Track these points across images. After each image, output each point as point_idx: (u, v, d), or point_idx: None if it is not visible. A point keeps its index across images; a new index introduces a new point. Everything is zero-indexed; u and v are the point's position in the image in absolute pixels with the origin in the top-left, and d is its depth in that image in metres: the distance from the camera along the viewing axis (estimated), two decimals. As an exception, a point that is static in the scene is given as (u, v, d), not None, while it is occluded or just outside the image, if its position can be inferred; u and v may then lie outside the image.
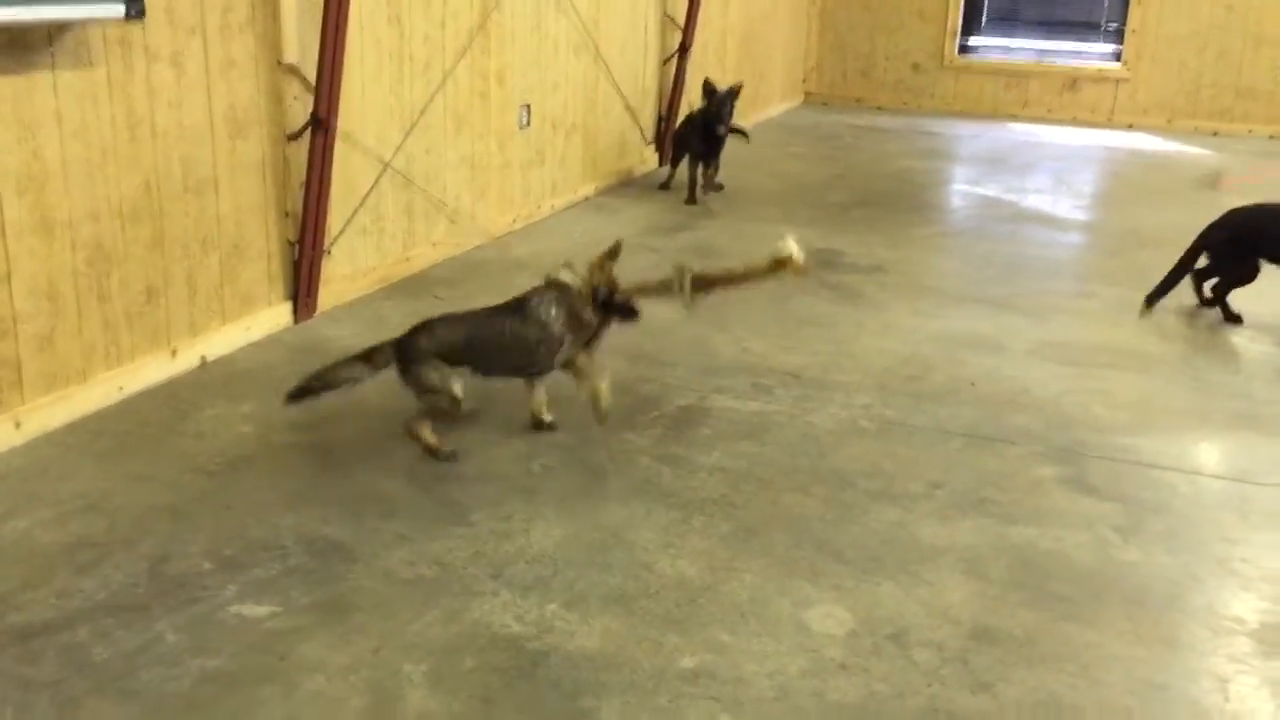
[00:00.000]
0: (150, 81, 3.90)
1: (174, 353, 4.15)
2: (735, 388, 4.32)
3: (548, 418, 3.89)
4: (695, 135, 7.14)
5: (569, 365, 3.78)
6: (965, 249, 6.50)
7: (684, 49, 8.02)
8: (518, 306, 3.70)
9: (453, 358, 3.56)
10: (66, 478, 3.43)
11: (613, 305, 3.75)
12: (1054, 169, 8.84)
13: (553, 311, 3.67)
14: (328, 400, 3.98)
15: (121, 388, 3.93)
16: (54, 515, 3.21)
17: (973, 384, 4.42)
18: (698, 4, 7.95)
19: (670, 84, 8.08)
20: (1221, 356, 4.88)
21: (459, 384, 3.56)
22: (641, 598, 2.94)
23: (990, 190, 8.04)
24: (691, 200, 7.15)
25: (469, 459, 3.66)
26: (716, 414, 4.09)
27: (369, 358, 3.57)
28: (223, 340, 4.37)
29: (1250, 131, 10.23)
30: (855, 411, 4.14)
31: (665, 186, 7.54)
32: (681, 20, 7.98)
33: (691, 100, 8.28)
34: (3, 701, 2.48)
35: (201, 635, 2.71)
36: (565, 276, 3.74)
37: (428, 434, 3.61)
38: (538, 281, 3.81)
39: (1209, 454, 3.93)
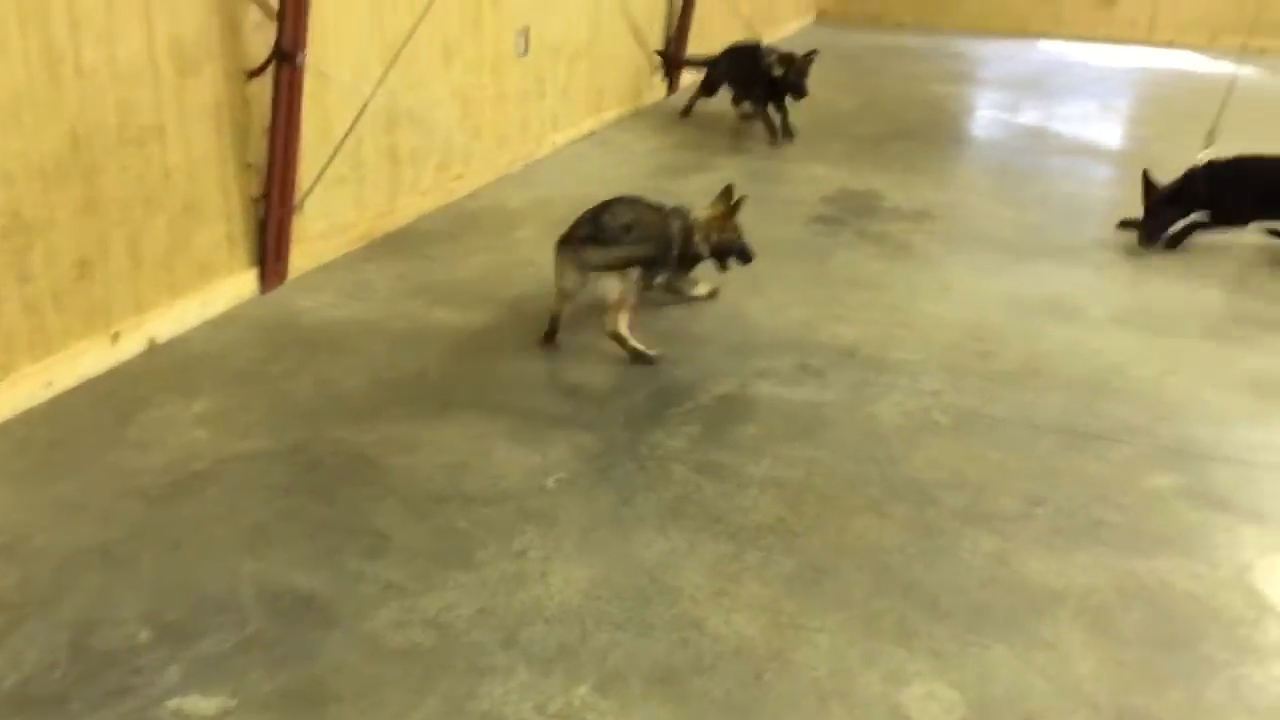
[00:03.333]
0: (72, 10, 3.18)
1: (115, 337, 3.48)
2: (780, 370, 3.68)
3: (702, 290, 4.17)
4: (761, 86, 6.50)
5: (669, 282, 4.00)
6: (1017, 189, 5.82)
7: (696, -36, 7.24)
8: (666, 210, 3.89)
9: (626, 242, 3.68)
10: (-23, 507, 2.80)
11: (730, 249, 4.05)
12: (1097, 93, 8.10)
13: (676, 231, 3.87)
14: (299, 395, 3.36)
15: (50, 383, 3.28)
16: (-44, 562, 2.59)
17: (979, 339, 3.90)
18: (710, -87, 7.16)
19: (680, 2, 7.30)
20: (1331, 321, 4.24)
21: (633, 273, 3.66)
22: (694, 674, 2.32)
23: (1032, 118, 7.32)
24: (773, 133, 6.50)
25: (469, 472, 3.02)
26: (761, 405, 3.45)
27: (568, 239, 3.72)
28: (175, 318, 3.70)
29: (1299, 50, 9.48)
30: (925, 400, 3.50)
31: (687, 113, 6.83)
32: (693, -68, 7.19)
33: (702, 23, 7.51)
34: None
35: (132, 743, 2.10)
36: (696, 213, 3.98)
37: (630, 338, 3.66)
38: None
39: (1348, 451, 3.30)
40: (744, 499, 2.95)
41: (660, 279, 3.93)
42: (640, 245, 3.69)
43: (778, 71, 6.38)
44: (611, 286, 3.62)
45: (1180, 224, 4.85)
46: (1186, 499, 3.01)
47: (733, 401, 3.47)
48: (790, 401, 3.48)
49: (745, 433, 3.29)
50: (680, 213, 3.94)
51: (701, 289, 4.17)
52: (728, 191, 4.06)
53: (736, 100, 6.83)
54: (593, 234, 3.64)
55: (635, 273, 3.65)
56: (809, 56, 6.44)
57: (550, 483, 2.99)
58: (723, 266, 4.10)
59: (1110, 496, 3.01)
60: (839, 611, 2.53)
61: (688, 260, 4.00)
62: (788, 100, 6.49)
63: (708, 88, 6.85)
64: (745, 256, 4.09)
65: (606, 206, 3.75)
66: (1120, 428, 3.37)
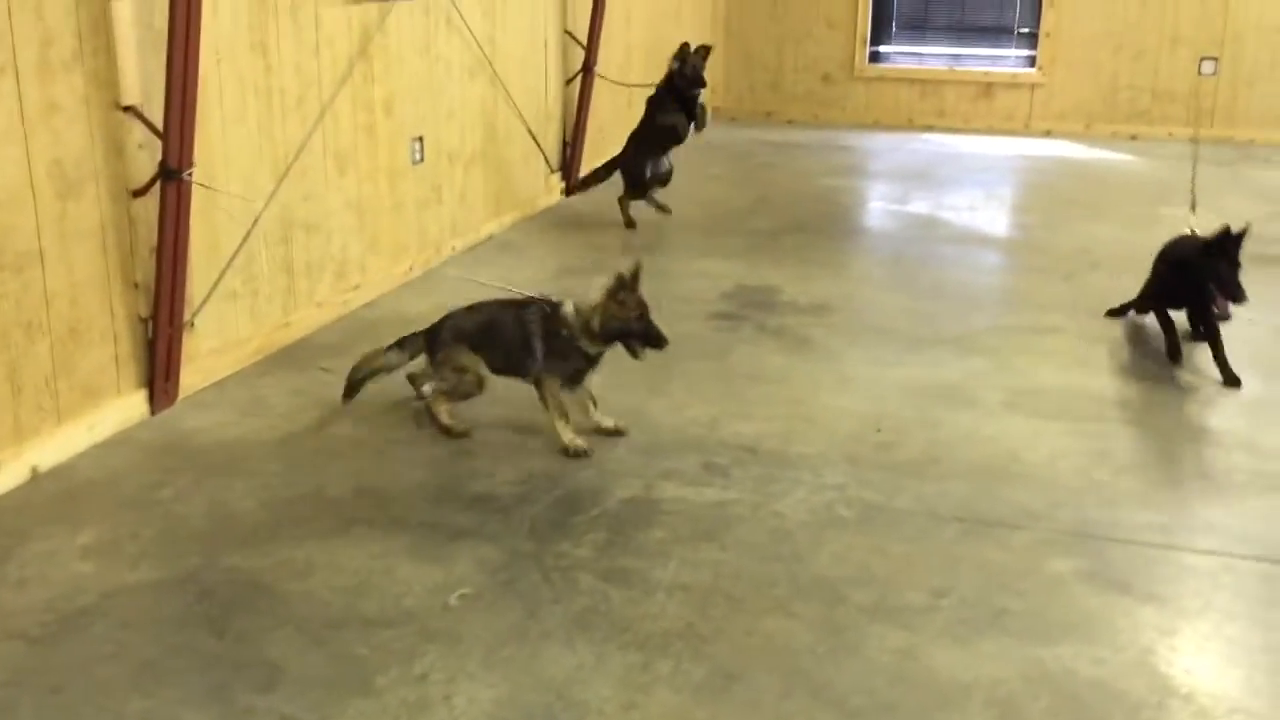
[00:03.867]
0: (-55, 136, 3.11)
1: (-5, 468, 3.35)
2: (685, 470, 3.67)
3: (607, 423, 3.89)
4: (679, 99, 6.60)
5: (539, 386, 3.80)
6: (910, 278, 5.96)
7: (588, 68, 7.37)
8: (522, 304, 3.84)
9: (471, 343, 3.81)
10: None
11: (628, 333, 3.70)
12: (981, 182, 8.38)
13: (534, 324, 3.76)
14: (191, 520, 3.26)
15: (-76, 521, 3.13)
16: None
17: (878, 430, 3.95)
18: (600, 19, 7.30)
19: (575, 106, 7.41)
20: (1214, 401, 4.38)
21: (482, 368, 3.82)
22: (605, 795, 2.27)
23: (921, 208, 7.53)
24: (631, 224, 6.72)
25: (370, 593, 2.94)
26: (667, 508, 3.43)
27: (401, 344, 3.91)
28: (59, 445, 3.58)
29: (1170, 135, 9.92)
30: (828, 495, 3.51)
31: (630, 226, 6.81)
32: (583, 37, 7.32)
33: (599, 125, 7.64)
34: None
35: None
36: (567, 304, 3.76)
37: (445, 414, 3.85)
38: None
39: (1237, 528, 3.37)
40: (652, 606, 2.91)
41: (546, 376, 3.75)
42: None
43: (674, 65, 6.55)
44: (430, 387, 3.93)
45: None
46: (1086, 583, 3.05)
47: (638, 505, 3.45)
48: (695, 502, 3.47)
49: (652, 537, 3.26)
50: (541, 304, 3.79)
51: (607, 422, 3.88)
52: (619, 276, 3.67)
53: (624, 197, 6.89)
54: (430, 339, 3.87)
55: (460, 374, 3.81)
56: (704, 48, 6.65)
57: (453, 600, 2.93)
58: (633, 353, 3.75)
59: (1013, 584, 3.04)
60: (750, 717, 2.50)
61: (564, 352, 3.74)
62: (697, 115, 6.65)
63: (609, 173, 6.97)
64: (651, 339, 3.70)
65: (451, 313, 3.91)
66: (1019, 513, 3.42)
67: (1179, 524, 3.37)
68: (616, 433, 3.88)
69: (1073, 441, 3.94)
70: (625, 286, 3.65)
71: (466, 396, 3.86)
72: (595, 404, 3.90)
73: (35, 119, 3.40)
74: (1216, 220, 4.57)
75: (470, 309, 3.90)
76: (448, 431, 3.85)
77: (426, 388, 3.95)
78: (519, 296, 3.93)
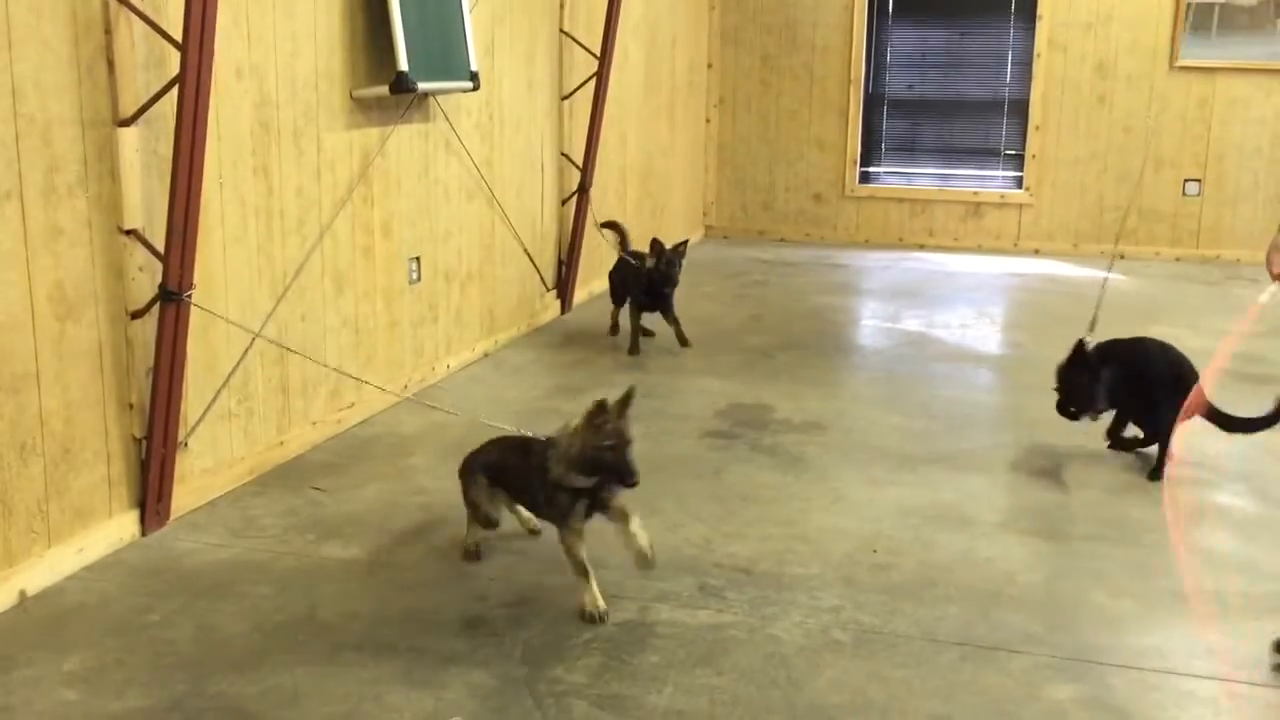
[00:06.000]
0: (-52, 260, 3.16)
1: (-18, 591, 3.32)
2: (680, 592, 3.64)
3: (639, 543, 3.49)
4: (640, 290, 6.68)
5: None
6: (902, 397, 5.98)
7: (583, 189, 7.50)
8: (539, 440, 3.64)
9: (492, 477, 3.77)
10: None
11: (600, 465, 3.36)
12: (972, 300, 8.48)
13: (536, 467, 3.53)
14: (179, 645, 3.21)
15: (-93, 646, 3.09)
16: None
17: (874, 550, 3.93)
18: (595, 142, 7.47)
19: (570, 226, 7.53)
20: (1212, 521, 4.37)
21: (500, 503, 3.81)
22: None
23: (912, 325, 7.61)
24: (635, 350, 6.66)
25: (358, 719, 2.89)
26: (662, 631, 3.39)
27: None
28: (47, 569, 3.55)
29: (1157, 254, 10.09)
30: (824, 618, 3.48)
31: (614, 330, 6.95)
32: (579, 158, 7.48)
33: (595, 244, 7.75)
34: None
35: None
36: (556, 439, 3.52)
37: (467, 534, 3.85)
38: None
39: (1237, 652, 3.33)
40: (646, 735, 2.86)
41: (559, 527, 3.52)
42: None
43: (649, 263, 6.59)
44: None
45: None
46: (1086, 710, 3.01)
47: (633, 628, 3.41)
48: (690, 625, 3.43)
49: (646, 661, 3.22)
50: (541, 443, 3.57)
51: (639, 541, 3.47)
52: (598, 402, 3.34)
53: (614, 319, 7.00)
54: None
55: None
56: (679, 246, 6.65)
57: (444, 728, 2.87)
58: (607, 494, 3.46)
59: (1013, 712, 3.00)
60: None
61: (552, 496, 3.47)
62: (674, 308, 6.66)
63: (616, 300, 7.03)
64: (621, 473, 3.33)
65: (484, 445, 3.90)
66: (1018, 637, 3.38)
67: (1178, 648, 3.33)
68: (644, 560, 3.48)
69: (1070, 562, 3.92)
70: (604, 411, 3.31)
71: (483, 527, 3.84)
72: (628, 519, 3.49)
73: (38, 243, 3.45)
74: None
75: (496, 441, 3.90)
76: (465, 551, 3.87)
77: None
78: (523, 435, 3.76)
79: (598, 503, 3.46)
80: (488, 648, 3.27)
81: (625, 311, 6.87)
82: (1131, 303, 8.29)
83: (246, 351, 4.41)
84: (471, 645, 3.29)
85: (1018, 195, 10.52)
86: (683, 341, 6.71)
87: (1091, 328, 4.92)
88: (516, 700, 3.00)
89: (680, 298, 6.85)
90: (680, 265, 6.62)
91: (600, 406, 3.32)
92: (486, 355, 6.53)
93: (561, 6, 7.22)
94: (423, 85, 5.20)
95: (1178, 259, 10.08)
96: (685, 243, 6.79)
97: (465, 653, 3.24)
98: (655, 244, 6.65)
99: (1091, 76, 10.16)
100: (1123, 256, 10.11)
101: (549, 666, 3.17)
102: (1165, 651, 3.31)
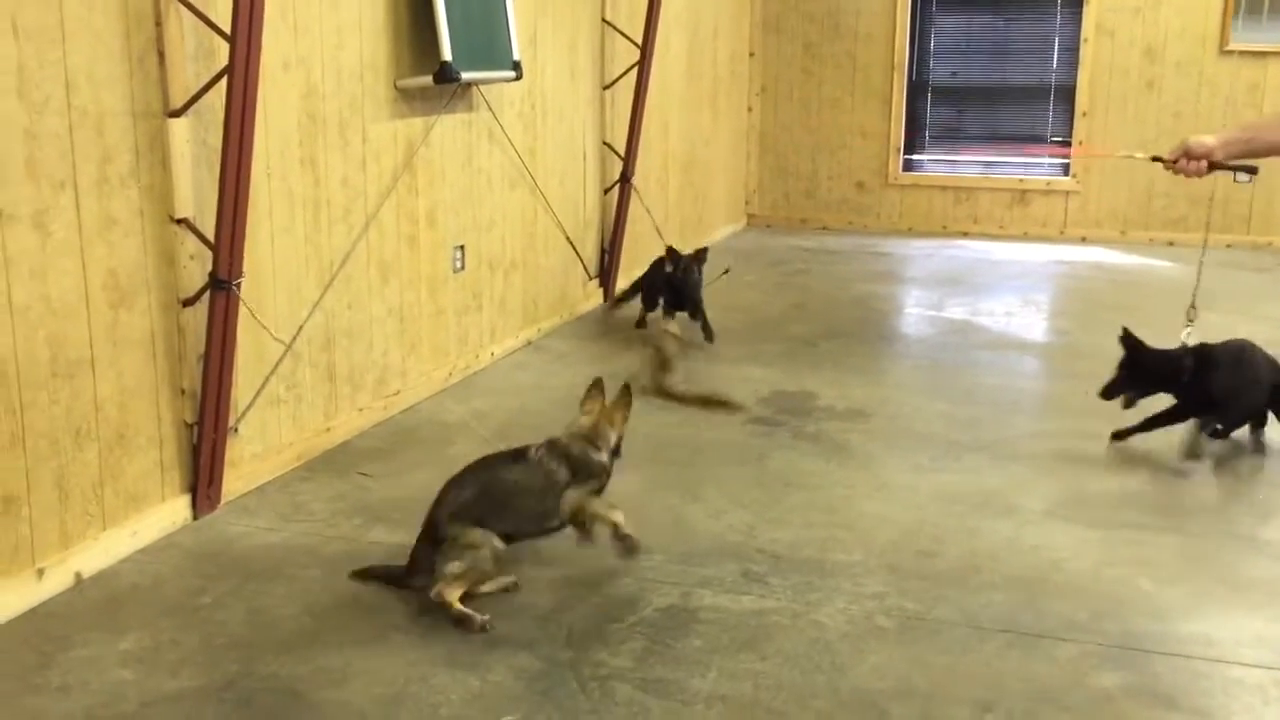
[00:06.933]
0: (5, 248, 3.22)
1: (40, 573, 3.39)
2: (723, 578, 3.65)
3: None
4: (668, 293, 6.71)
5: (577, 516, 3.54)
6: (947, 384, 5.95)
7: (625, 178, 7.52)
8: (517, 455, 3.55)
9: (473, 517, 3.38)
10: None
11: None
12: (1017, 288, 8.41)
13: (553, 463, 3.51)
14: (231, 627, 3.27)
15: (-30, 626, 3.17)
16: None
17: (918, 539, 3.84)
18: (638, 131, 7.47)
19: (613, 214, 7.55)
20: (1260, 508, 4.32)
21: (494, 539, 3.39)
22: None
23: (957, 313, 7.56)
24: (640, 325, 6.77)
25: (406, 701, 2.93)
26: (705, 616, 3.41)
27: (410, 572, 3.43)
28: (102, 551, 3.62)
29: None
30: (868, 604, 3.48)
31: (640, 325, 6.95)
32: (621, 148, 7.49)
33: (637, 234, 7.76)
34: None
35: None
36: (565, 430, 3.61)
37: (457, 602, 3.31)
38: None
39: (1287, 639, 3.31)
40: (691, 717, 2.88)
41: (580, 494, 3.54)
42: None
43: (669, 268, 6.61)
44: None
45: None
46: (1133, 698, 2.99)
47: (676, 613, 3.43)
48: (734, 611, 3.44)
49: (690, 646, 3.24)
50: (537, 446, 3.56)
51: (618, 523, 3.56)
52: (626, 385, 3.61)
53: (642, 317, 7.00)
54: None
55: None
56: (699, 253, 6.65)
57: (489, 712, 2.90)
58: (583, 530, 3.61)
59: (1059, 699, 2.98)
60: (791, 837, 2.45)
61: (590, 470, 3.58)
62: (702, 310, 6.65)
63: (646, 304, 7.01)
64: (589, 473, 3.53)
65: (437, 500, 3.44)
66: (1063, 625, 3.36)
67: (1226, 636, 3.30)
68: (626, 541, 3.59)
69: (1116, 550, 3.89)
70: (628, 404, 3.67)
71: (484, 578, 3.41)
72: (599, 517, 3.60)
73: (92, 232, 3.51)
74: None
75: (453, 484, 3.47)
76: (467, 622, 3.27)
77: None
78: (503, 451, 3.65)
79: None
80: (532, 631, 3.30)
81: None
82: (1184, 290, 8.18)
83: (294, 339, 4.46)
84: (517, 628, 3.32)
85: (1064, 182, 10.42)
86: (708, 336, 6.68)
87: (1190, 319, 4.85)
88: (561, 683, 3.03)
89: (722, 287, 6.85)
90: (699, 271, 6.61)
91: (627, 390, 3.69)
92: (529, 343, 6.56)
93: (604, -5, 7.24)
94: (466, 75, 5.24)
95: (1228, 246, 9.92)
96: (705, 249, 6.78)
97: (511, 635, 3.27)
98: (670, 251, 6.65)
99: (1140, 61, 10.03)
100: (1171, 244, 10.00)
101: (593, 650, 3.19)
102: (1213, 639, 3.28)
